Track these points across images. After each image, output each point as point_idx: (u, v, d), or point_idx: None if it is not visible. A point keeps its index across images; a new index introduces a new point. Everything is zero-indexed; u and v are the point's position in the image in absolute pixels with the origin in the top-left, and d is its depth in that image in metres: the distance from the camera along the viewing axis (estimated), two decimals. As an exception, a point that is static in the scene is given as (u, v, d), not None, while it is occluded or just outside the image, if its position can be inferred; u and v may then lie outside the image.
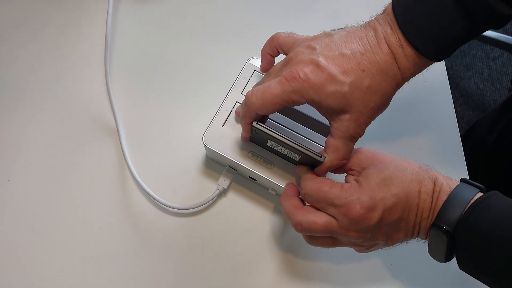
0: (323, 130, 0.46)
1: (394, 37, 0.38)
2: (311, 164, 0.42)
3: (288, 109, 0.47)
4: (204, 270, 0.46)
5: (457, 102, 1.47)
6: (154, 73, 0.54)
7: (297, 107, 0.47)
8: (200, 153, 0.50)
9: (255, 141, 0.45)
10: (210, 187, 0.49)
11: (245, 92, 0.47)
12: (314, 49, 0.38)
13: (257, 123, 0.40)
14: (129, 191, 0.49)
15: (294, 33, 0.43)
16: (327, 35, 0.40)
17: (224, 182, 0.48)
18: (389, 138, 0.53)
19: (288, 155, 0.42)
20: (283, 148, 0.42)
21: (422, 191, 0.37)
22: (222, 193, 0.49)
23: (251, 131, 0.41)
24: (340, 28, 0.41)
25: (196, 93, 0.53)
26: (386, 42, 0.38)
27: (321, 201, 0.38)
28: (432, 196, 0.37)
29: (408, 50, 0.38)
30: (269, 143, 0.42)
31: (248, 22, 0.57)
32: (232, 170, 0.48)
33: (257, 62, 0.48)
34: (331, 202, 0.37)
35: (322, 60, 0.37)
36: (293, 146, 0.39)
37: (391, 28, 0.38)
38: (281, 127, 0.46)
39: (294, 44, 0.41)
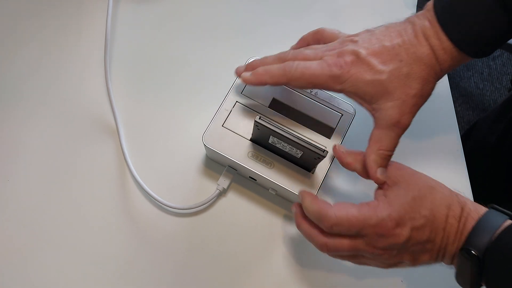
0: (323, 130, 0.46)
1: (432, 30, 0.39)
2: (312, 161, 0.42)
3: (288, 109, 0.47)
4: (204, 270, 0.46)
5: (457, 102, 1.47)
6: (154, 73, 0.54)
7: (297, 107, 0.47)
8: (200, 153, 0.50)
9: (256, 139, 0.45)
10: (210, 187, 0.49)
11: (245, 92, 0.47)
12: (356, 42, 0.41)
13: (259, 119, 0.40)
14: (129, 191, 0.49)
15: (338, 30, 0.45)
16: (368, 31, 0.42)
17: (224, 182, 0.48)
18: (389, 138, 0.53)
19: (289, 152, 0.42)
20: (285, 144, 0.42)
21: (450, 215, 0.37)
22: (222, 193, 0.49)
23: (254, 126, 0.41)
24: (381, 25, 0.43)
25: (196, 93, 0.53)
26: (424, 35, 0.40)
27: (353, 227, 0.36)
28: (459, 221, 0.37)
29: (447, 43, 0.39)
30: (270, 139, 0.42)
31: (248, 22, 0.57)
32: (232, 170, 0.48)
33: None
34: (363, 225, 0.36)
35: (362, 51, 0.40)
36: (296, 141, 0.40)
37: (430, 23, 0.40)
38: (282, 126, 0.46)
39: (337, 38, 0.44)
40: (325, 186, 0.50)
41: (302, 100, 0.47)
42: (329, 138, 0.46)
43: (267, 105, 0.47)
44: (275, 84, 0.42)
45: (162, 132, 0.51)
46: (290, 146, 0.41)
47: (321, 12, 0.58)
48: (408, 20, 0.42)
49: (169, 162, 0.50)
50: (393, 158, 0.52)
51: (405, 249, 0.37)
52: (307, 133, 0.46)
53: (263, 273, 0.47)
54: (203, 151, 0.50)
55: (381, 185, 0.40)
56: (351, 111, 0.47)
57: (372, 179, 0.40)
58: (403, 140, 0.53)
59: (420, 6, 0.58)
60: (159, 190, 0.48)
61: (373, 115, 0.41)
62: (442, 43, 0.39)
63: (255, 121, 0.40)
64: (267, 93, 0.47)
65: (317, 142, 0.45)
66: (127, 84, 0.53)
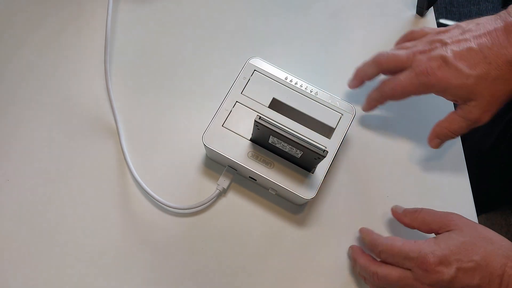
0: (323, 130, 0.46)
1: None
2: (312, 161, 0.42)
3: (288, 109, 0.47)
4: (204, 270, 0.46)
5: (457, 102, 1.47)
6: (154, 72, 0.54)
7: (297, 107, 0.47)
8: (200, 153, 0.50)
9: (257, 139, 0.45)
10: (210, 187, 0.49)
11: (245, 92, 0.47)
12: (445, 44, 0.42)
13: (259, 119, 0.40)
14: (129, 191, 0.49)
15: (426, 27, 0.48)
16: (458, 26, 0.43)
17: (224, 182, 0.48)
18: (389, 138, 0.53)
19: (289, 152, 0.42)
20: (285, 144, 0.42)
21: (509, 266, 0.37)
22: (222, 193, 0.49)
23: (254, 126, 0.42)
24: (471, 20, 0.43)
25: (196, 92, 0.53)
26: None
27: (396, 255, 0.40)
28: None
29: None
30: (270, 139, 0.42)
31: (248, 22, 0.57)
32: (232, 170, 0.48)
33: (257, 62, 0.48)
34: (405, 255, 0.39)
35: (450, 56, 0.41)
36: (296, 141, 0.40)
37: None
38: (282, 126, 0.46)
39: (426, 34, 0.46)
40: (325, 186, 0.50)
41: (302, 100, 0.47)
42: (329, 138, 0.46)
43: (267, 105, 0.47)
44: (381, 104, 0.48)
45: (162, 132, 0.51)
46: (290, 146, 0.41)
47: (321, 12, 0.58)
48: (500, 18, 0.41)
49: (169, 162, 0.50)
50: (393, 158, 0.52)
51: None
52: (307, 133, 0.46)
53: (262, 273, 0.47)
54: (203, 151, 0.50)
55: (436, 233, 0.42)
56: (351, 111, 0.47)
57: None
58: (403, 139, 0.53)
59: (420, 6, 0.58)
60: (159, 190, 0.48)
61: (455, 102, 0.44)
62: None
63: (255, 121, 0.40)
64: (267, 93, 0.47)
65: (317, 142, 0.45)
66: (127, 84, 0.53)
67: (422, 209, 0.44)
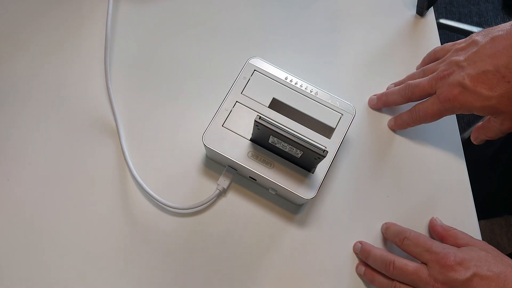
0: (323, 130, 0.46)
1: None
2: (312, 161, 0.42)
3: (288, 109, 0.47)
4: (203, 270, 0.46)
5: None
6: (154, 72, 0.54)
7: (297, 107, 0.47)
8: (200, 153, 0.50)
9: (257, 139, 0.45)
10: (210, 187, 0.49)
11: (245, 92, 0.47)
12: (461, 67, 0.44)
13: (260, 119, 0.40)
14: (129, 191, 0.49)
15: (447, 44, 0.50)
16: (475, 43, 0.44)
17: (224, 182, 0.48)
18: (389, 138, 0.53)
19: (289, 152, 0.42)
20: (285, 144, 0.42)
21: None
22: (222, 193, 0.49)
23: (254, 126, 0.42)
24: (487, 32, 0.44)
25: (196, 93, 0.53)
26: None
27: (420, 245, 0.42)
28: None
29: None
30: (270, 139, 0.42)
31: (248, 21, 0.57)
32: (232, 170, 0.48)
33: (257, 62, 0.48)
34: (428, 247, 0.41)
35: (468, 82, 0.42)
36: (296, 141, 0.40)
37: None
38: (282, 126, 0.46)
39: (447, 51, 0.48)
40: (325, 186, 0.50)
41: (302, 100, 0.47)
42: (329, 138, 0.46)
43: (267, 105, 0.47)
44: (411, 126, 0.51)
45: (162, 132, 0.51)
46: (290, 146, 0.41)
47: (321, 12, 0.59)
48: None
49: (169, 162, 0.50)
50: (394, 158, 0.52)
51: None
52: (307, 133, 0.46)
53: (262, 273, 0.47)
54: (203, 151, 0.50)
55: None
56: (351, 111, 0.47)
57: None
58: (403, 140, 0.53)
59: (420, 6, 0.58)
60: (159, 190, 0.48)
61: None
62: None
63: (255, 121, 0.40)
64: (267, 93, 0.47)
65: (317, 142, 0.45)
66: (127, 84, 0.53)
67: (452, 230, 0.45)
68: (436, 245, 0.41)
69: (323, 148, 0.40)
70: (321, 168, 0.45)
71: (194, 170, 0.50)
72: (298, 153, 0.42)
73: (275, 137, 0.41)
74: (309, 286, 0.47)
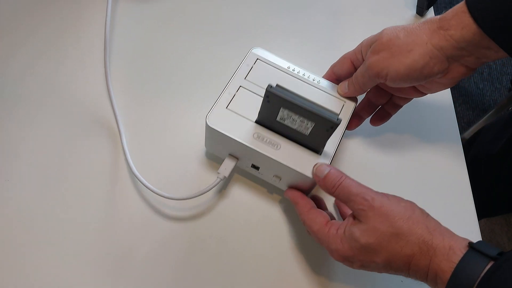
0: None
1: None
2: (323, 134, 0.40)
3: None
4: (204, 269, 0.46)
5: (457, 102, 1.47)
6: (154, 71, 0.54)
7: (300, 94, 0.45)
8: (200, 151, 0.50)
9: (263, 118, 0.43)
10: (210, 183, 0.48)
11: (248, 78, 0.46)
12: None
13: (271, 88, 0.38)
14: (129, 191, 0.49)
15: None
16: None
17: (225, 170, 0.46)
18: (388, 138, 0.53)
19: (298, 129, 0.41)
20: (295, 118, 0.40)
21: (412, 268, 0.36)
22: (223, 181, 0.47)
23: (264, 98, 0.40)
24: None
25: (196, 91, 0.53)
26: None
27: (313, 236, 0.42)
28: (427, 273, 0.35)
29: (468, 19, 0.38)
30: (279, 115, 0.40)
31: (248, 21, 0.57)
32: (234, 159, 0.46)
33: (259, 52, 0.48)
34: (318, 240, 0.41)
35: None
36: (309, 109, 0.38)
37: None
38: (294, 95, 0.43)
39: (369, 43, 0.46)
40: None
41: (305, 88, 0.47)
42: None
43: None
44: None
45: (163, 130, 0.51)
46: (302, 118, 0.39)
47: (321, 12, 0.59)
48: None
49: (169, 160, 0.50)
50: (393, 158, 0.52)
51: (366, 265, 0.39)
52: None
53: (263, 273, 0.47)
54: (203, 148, 0.50)
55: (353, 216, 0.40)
56: (353, 99, 0.47)
57: None
58: (402, 140, 0.53)
59: (420, 6, 0.58)
60: (159, 189, 0.48)
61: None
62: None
63: (267, 90, 0.38)
64: (270, 79, 0.46)
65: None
66: (127, 82, 0.53)
67: (345, 177, 0.40)
68: (322, 239, 0.40)
69: (336, 116, 0.38)
70: (329, 147, 0.43)
71: (194, 167, 0.50)
72: (308, 127, 0.40)
73: (285, 108, 0.39)
74: (310, 284, 0.47)
